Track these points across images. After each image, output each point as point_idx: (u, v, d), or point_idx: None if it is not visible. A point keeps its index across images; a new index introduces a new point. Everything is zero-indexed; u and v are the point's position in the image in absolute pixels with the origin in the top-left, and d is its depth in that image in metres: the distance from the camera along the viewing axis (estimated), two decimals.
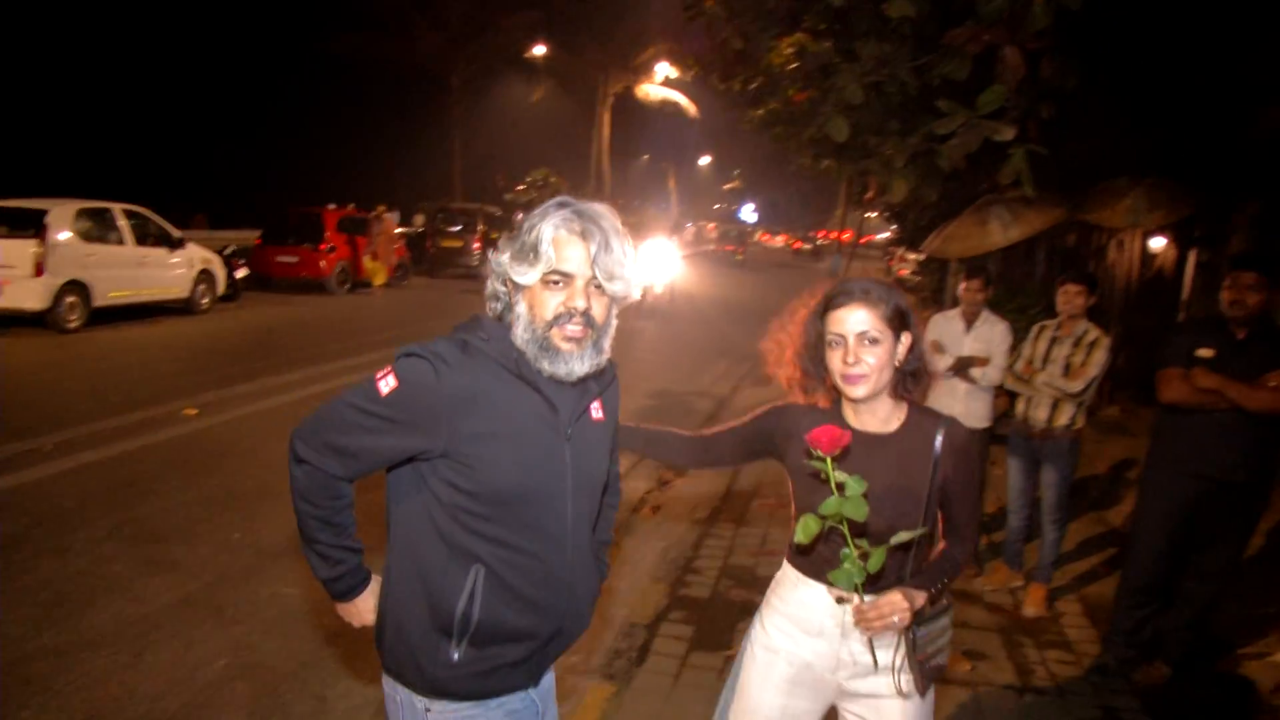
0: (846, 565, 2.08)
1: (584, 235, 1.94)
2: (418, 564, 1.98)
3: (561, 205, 1.97)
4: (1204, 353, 4.23)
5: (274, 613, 4.80)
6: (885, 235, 34.81)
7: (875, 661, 2.33)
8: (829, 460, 2.01)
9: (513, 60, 36.45)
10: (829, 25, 9.70)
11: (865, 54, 6.44)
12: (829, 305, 2.30)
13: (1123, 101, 11.52)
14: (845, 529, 2.05)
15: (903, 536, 2.10)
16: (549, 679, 2.19)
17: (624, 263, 1.98)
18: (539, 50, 35.98)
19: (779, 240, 72.29)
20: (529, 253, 1.94)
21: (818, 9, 7.80)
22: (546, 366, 1.96)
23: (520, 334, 1.97)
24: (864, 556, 2.07)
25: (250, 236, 20.28)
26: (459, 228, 24.44)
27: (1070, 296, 5.20)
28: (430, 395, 1.89)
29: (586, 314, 1.95)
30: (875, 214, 25.80)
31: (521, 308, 1.98)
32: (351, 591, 2.12)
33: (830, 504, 2.00)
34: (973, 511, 2.41)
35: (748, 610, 2.50)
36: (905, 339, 2.30)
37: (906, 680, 2.32)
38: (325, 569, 2.07)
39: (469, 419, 1.90)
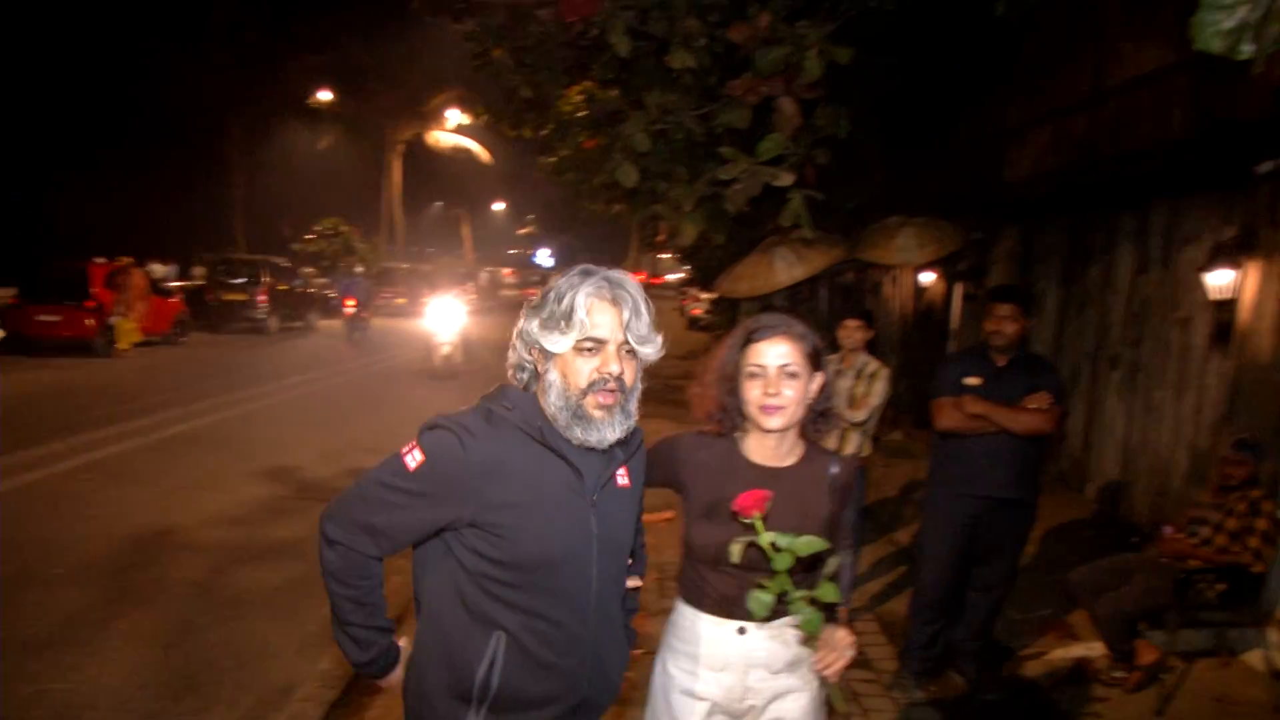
0: (806, 614, 2.05)
1: (615, 301, 1.97)
2: (441, 630, 2.01)
3: (587, 273, 2.00)
4: (971, 381, 4.55)
5: (41, 714, 4.35)
6: (678, 275, 35.78)
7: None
8: (758, 520, 2.02)
9: (297, 106, 35.37)
10: (615, 75, 9.94)
11: (651, 103, 6.64)
12: (750, 338, 2.33)
13: (893, 148, 12.37)
14: (791, 586, 2.03)
15: (833, 564, 2.10)
16: None
17: (652, 326, 2.02)
18: (324, 96, 35.12)
19: None
20: (560, 320, 1.95)
21: (604, 59, 7.98)
22: (579, 434, 1.98)
23: (553, 401, 1.99)
24: (811, 600, 2.06)
25: (4, 294, 18.67)
26: (243, 280, 23.25)
27: (850, 331, 5.47)
28: (457, 467, 1.92)
29: (619, 379, 1.97)
30: (668, 255, 26.47)
31: (554, 375, 1.99)
32: (386, 671, 2.13)
33: (777, 581, 2.01)
34: (850, 536, 2.46)
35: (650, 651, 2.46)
36: (818, 378, 2.36)
37: (822, 695, 2.39)
38: (360, 653, 2.07)
39: (496, 488, 1.92)
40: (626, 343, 1.99)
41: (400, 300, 32.05)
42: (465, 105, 35.99)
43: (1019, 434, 4.42)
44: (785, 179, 5.81)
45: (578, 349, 1.96)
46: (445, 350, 14.70)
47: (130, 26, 30.13)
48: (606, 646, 2.12)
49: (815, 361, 2.35)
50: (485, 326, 25.52)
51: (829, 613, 2.19)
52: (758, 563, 2.09)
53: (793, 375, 2.29)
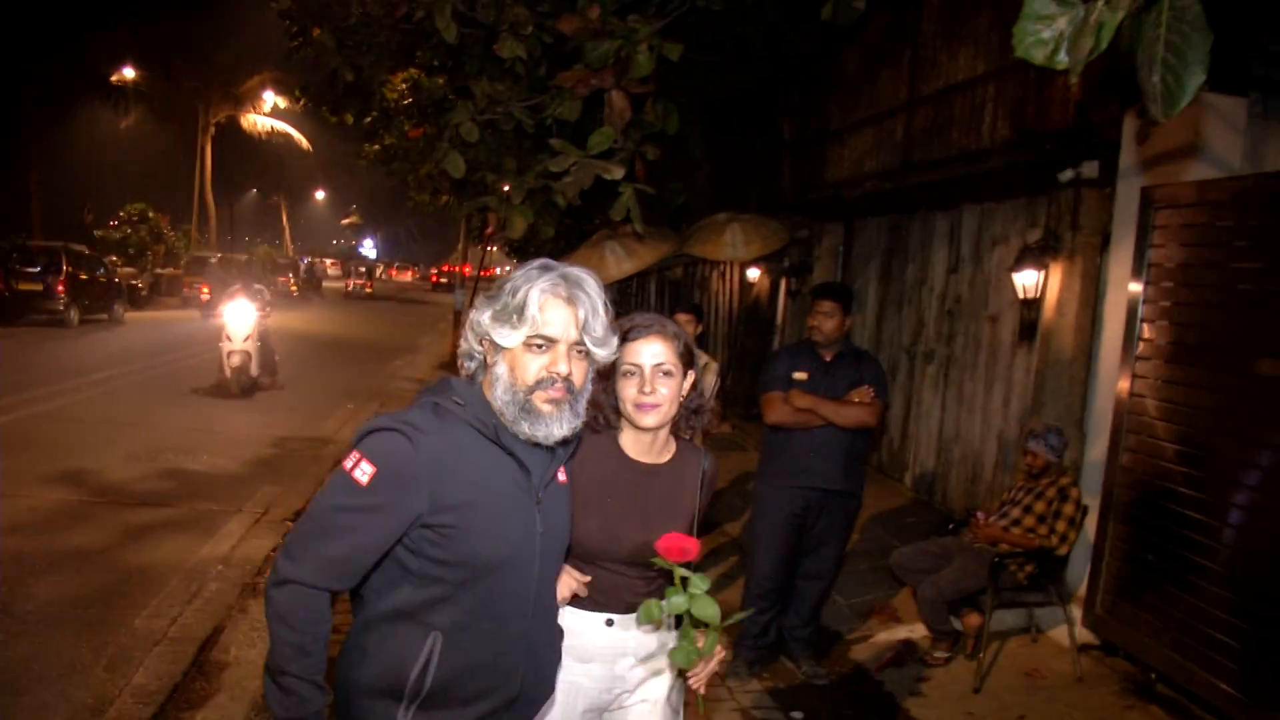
0: (685, 644, 2.07)
1: (570, 300, 1.95)
2: (378, 628, 1.95)
3: (545, 269, 1.97)
4: (798, 375, 4.68)
5: None
6: (508, 269, 35.49)
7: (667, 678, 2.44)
8: (678, 570, 2.03)
9: (100, 83, 33.09)
10: (442, 62, 9.73)
11: (479, 92, 6.51)
12: (625, 337, 2.32)
13: (721, 145, 12.62)
14: (687, 617, 2.07)
15: (737, 618, 2.19)
16: None
17: (607, 326, 2.01)
18: (128, 73, 33.01)
19: (408, 275, 72.27)
20: (513, 314, 1.93)
21: (430, 44, 7.79)
22: (526, 429, 1.95)
23: (500, 395, 1.96)
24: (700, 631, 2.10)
25: None
26: (38, 268, 21.60)
27: (679, 325, 5.52)
28: (410, 467, 1.85)
29: (568, 379, 1.95)
30: (496, 248, 26.18)
31: (502, 369, 1.97)
32: None
33: (677, 603, 2.02)
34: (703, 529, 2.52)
35: None
36: (690, 376, 2.42)
37: (680, 687, 2.47)
38: (286, 708, 1.86)
39: (448, 487, 1.88)
40: (580, 343, 1.98)
41: (205, 292, 30.71)
42: (282, 88, 34.54)
43: (845, 427, 4.56)
44: (616, 172, 5.81)
45: (528, 345, 1.95)
46: (236, 362, 12.72)
47: None
48: (543, 644, 2.12)
49: (688, 360, 2.42)
50: (306, 320, 24.70)
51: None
52: (636, 558, 2.20)
53: (667, 374, 2.34)
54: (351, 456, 1.88)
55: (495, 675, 1.99)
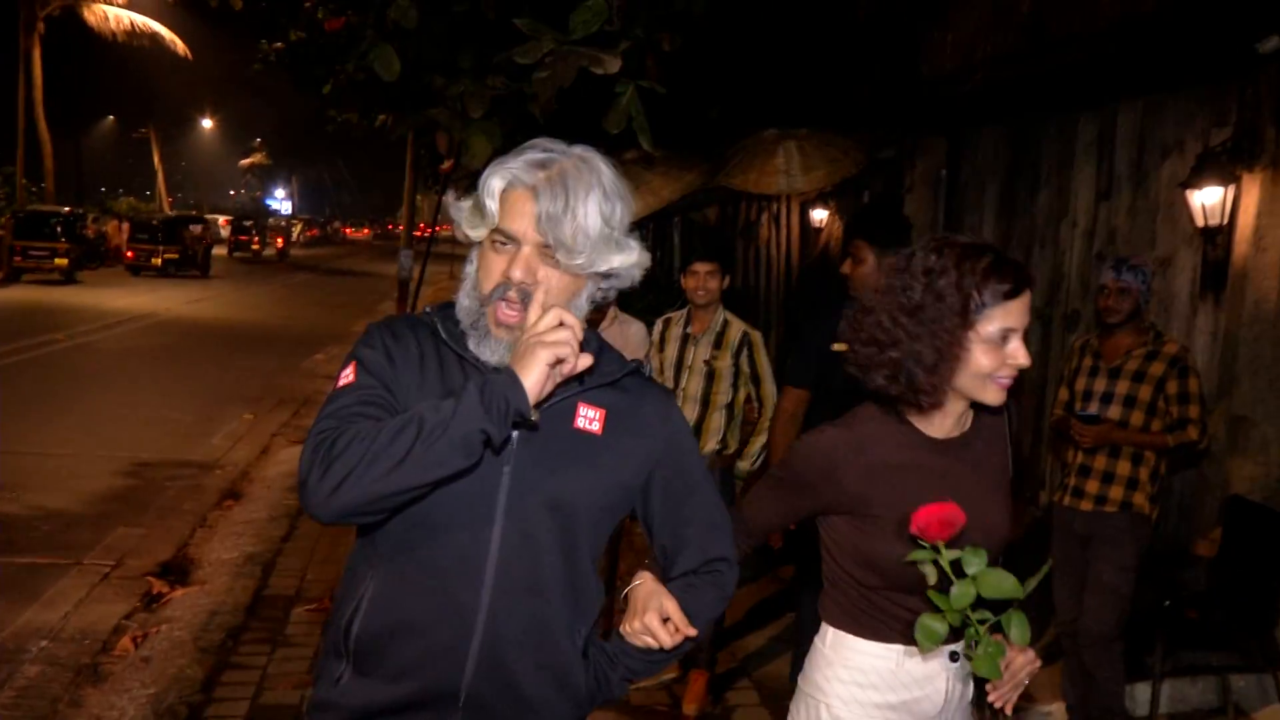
0: (985, 647, 2.25)
1: (534, 189, 2.07)
2: (347, 573, 2.30)
3: (533, 147, 2.15)
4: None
5: None
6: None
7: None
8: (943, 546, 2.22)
9: None
10: None
11: None
12: (1011, 292, 2.41)
13: (771, 35, 12.52)
14: (973, 613, 2.24)
15: (1032, 583, 2.24)
16: None
17: (590, 229, 2.09)
18: None
19: (364, 233, 73.58)
20: (481, 202, 2.15)
21: None
22: (471, 346, 2.17)
23: (462, 299, 2.20)
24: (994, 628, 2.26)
25: None
26: None
27: (701, 279, 5.51)
28: (379, 355, 2.18)
29: (524, 290, 2.09)
30: (457, 193, 26.28)
31: (471, 268, 2.22)
32: (508, 397, 1.96)
33: (962, 593, 2.18)
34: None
35: None
36: None
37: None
38: (444, 423, 1.96)
39: (400, 392, 2.15)
40: (549, 246, 2.09)
41: (60, 262, 30.87)
42: None
43: None
44: (610, 65, 5.73)
45: (492, 242, 2.15)
46: None
47: None
48: (513, 642, 2.19)
49: None
50: (193, 302, 24.77)
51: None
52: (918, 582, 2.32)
53: None
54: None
55: (428, 647, 2.16)
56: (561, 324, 1.94)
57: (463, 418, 1.93)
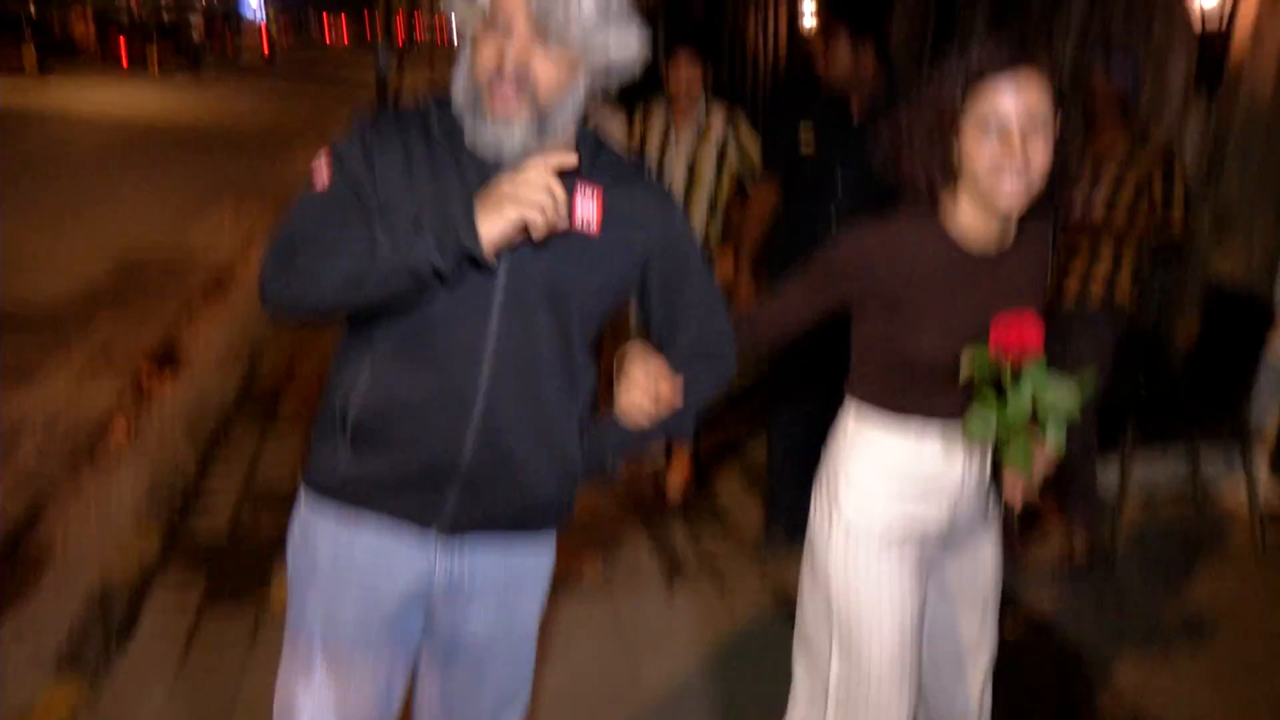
0: (1020, 440, 2.27)
1: None
2: (343, 351, 2.30)
3: None
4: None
5: None
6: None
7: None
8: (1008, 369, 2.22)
9: None
10: None
11: None
12: (978, 74, 2.35)
13: None
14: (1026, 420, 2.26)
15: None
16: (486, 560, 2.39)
17: (591, 13, 2.03)
18: None
19: (344, 43, 72.92)
20: None
21: None
22: (471, 128, 2.11)
23: (458, 87, 2.13)
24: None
25: None
26: None
27: (681, 70, 5.40)
28: (356, 152, 2.13)
29: (519, 73, 2.04)
30: None
31: (466, 54, 2.13)
32: (445, 244, 1.98)
33: (1020, 408, 2.22)
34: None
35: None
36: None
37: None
38: (411, 253, 1.99)
39: (384, 187, 2.12)
40: (543, 28, 2.03)
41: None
42: None
43: None
44: None
45: (485, 25, 2.07)
46: None
47: None
48: (511, 418, 2.24)
49: (1058, 107, 2.42)
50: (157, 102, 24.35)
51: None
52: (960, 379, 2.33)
53: (1042, 130, 2.36)
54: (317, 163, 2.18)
55: (427, 425, 2.22)
56: (548, 189, 1.91)
57: (417, 253, 1.96)
